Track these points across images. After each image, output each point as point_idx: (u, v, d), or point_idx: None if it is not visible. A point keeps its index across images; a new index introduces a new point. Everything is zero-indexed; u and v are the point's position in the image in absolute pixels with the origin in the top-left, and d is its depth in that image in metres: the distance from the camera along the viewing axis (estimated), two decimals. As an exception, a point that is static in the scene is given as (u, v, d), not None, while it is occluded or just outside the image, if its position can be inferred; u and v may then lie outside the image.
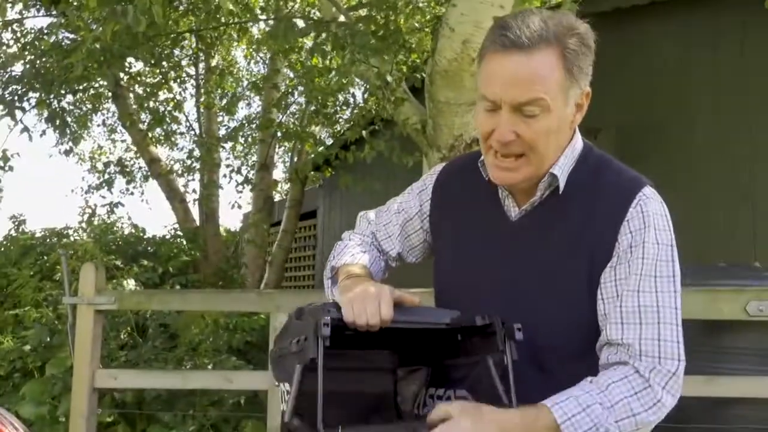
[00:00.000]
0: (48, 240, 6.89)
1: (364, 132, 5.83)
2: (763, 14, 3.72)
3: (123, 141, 10.82)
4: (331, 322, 1.08)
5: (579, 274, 1.18)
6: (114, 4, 3.41)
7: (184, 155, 9.23)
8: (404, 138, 4.61)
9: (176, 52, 7.70)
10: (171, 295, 4.18)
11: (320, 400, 1.05)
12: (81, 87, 6.42)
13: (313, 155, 7.51)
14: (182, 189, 8.59)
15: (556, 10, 1.23)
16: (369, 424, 1.29)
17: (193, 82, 8.92)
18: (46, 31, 5.88)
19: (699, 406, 2.76)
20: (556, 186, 1.22)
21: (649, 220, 1.16)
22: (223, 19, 6.28)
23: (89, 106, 8.39)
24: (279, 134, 7.70)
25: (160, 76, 7.74)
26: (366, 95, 7.73)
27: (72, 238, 7.20)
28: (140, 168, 9.65)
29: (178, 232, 8.06)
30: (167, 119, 7.71)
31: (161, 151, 9.12)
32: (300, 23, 5.22)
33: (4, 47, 6.53)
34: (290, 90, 7.10)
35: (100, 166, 10.46)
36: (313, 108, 6.90)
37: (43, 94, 5.41)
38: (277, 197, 10.35)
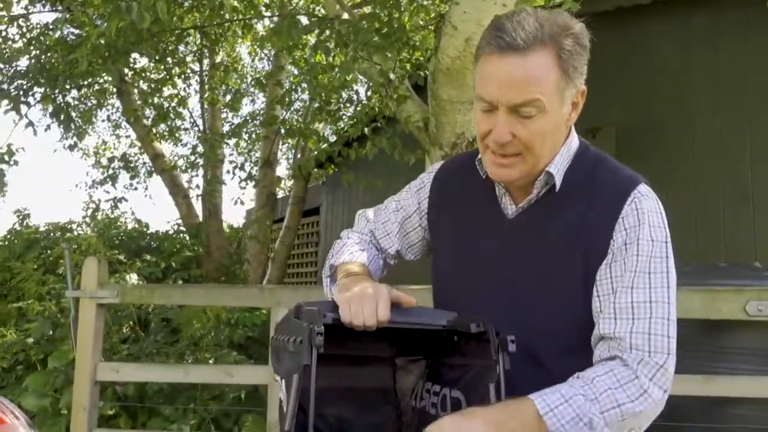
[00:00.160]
0: (52, 234, 6.93)
1: (366, 129, 5.83)
2: (764, 14, 3.72)
3: (127, 136, 10.87)
4: (329, 323, 1.10)
5: (575, 271, 1.19)
6: (119, 1, 3.42)
7: (188, 151, 9.27)
8: (406, 135, 4.62)
9: (181, 48, 7.73)
10: (173, 289, 4.20)
11: (312, 408, 1.06)
12: (86, 82, 6.45)
13: (316, 152, 7.52)
14: (186, 185, 8.60)
15: (556, 8, 1.23)
16: (366, 421, 1.30)
17: (197, 78, 8.94)
18: (51, 27, 5.90)
19: (698, 406, 2.77)
20: (553, 184, 1.23)
21: (644, 218, 1.17)
22: (227, 16, 6.30)
23: (94, 101, 8.43)
24: (282, 131, 7.72)
25: (165, 72, 7.76)
26: (369, 93, 7.74)
27: (75, 233, 7.24)
28: (144, 163, 9.69)
29: (181, 228, 8.08)
30: (171, 115, 7.74)
31: (165, 147, 9.15)
32: (304, 20, 5.23)
33: (10, 42, 6.54)
34: (294, 87, 7.11)
35: (104, 161, 10.49)
36: (316, 105, 6.91)
37: (48, 89, 5.44)
38: (280, 194, 10.36)
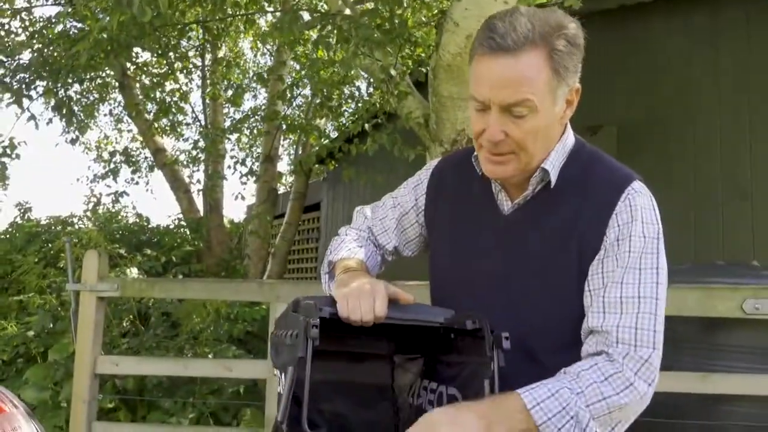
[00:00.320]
0: (53, 228, 6.95)
1: (366, 125, 5.84)
2: (765, 12, 3.72)
3: (129, 131, 10.87)
4: (326, 317, 1.11)
5: (569, 266, 1.21)
6: (120, -6, 3.43)
7: (189, 146, 9.28)
8: (407, 131, 4.62)
9: (183, 43, 7.74)
10: (173, 283, 4.21)
11: (306, 400, 1.07)
12: (88, 76, 6.45)
13: (317, 148, 7.53)
14: (187, 179, 8.63)
15: (552, 7, 1.23)
16: (363, 417, 1.31)
17: (199, 73, 8.95)
18: (53, 20, 5.91)
19: (695, 403, 2.78)
20: (548, 180, 1.25)
21: (637, 214, 1.18)
22: (229, 11, 6.30)
23: (96, 95, 8.44)
24: (284, 126, 7.73)
25: (167, 67, 7.77)
26: (370, 89, 7.74)
27: (77, 226, 7.25)
28: (146, 158, 9.70)
29: (182, 222, 8.11)
30: (173, 110, 7.76)
31: (167, 142, 9.17)
32: (306, 16, 5.23)
33: (13, 35, 6.56)
34: (295, 82, 7.12)
35: (105, 155, 10.52)
36: (318, 101, 6.92)
37: (50, 83, 5.45)
38: (281, 189, 10.38)
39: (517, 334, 1.15)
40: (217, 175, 8.13)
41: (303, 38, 6.46)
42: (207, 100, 8.84)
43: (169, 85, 8.01)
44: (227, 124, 9.26)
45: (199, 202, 8.44)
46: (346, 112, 8.34)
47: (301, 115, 8.60)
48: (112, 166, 8.69)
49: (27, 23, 6.74)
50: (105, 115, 10.70)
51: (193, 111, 9.13)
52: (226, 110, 9.78)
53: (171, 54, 7.13)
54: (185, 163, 9.03)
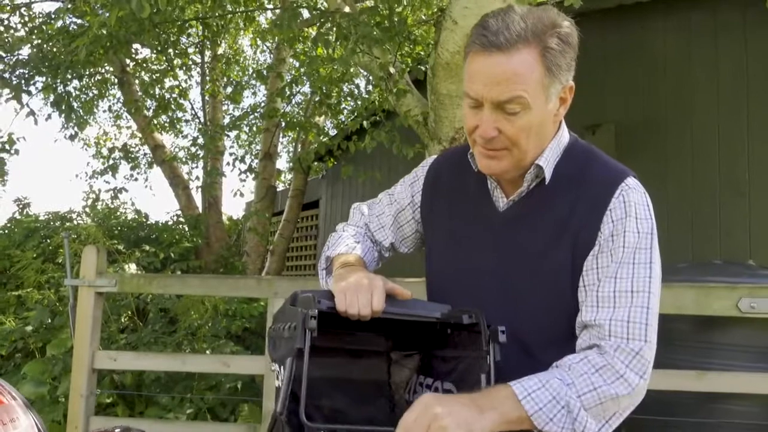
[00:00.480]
0: (51, 223, 6.94)
1: (365, 122, 5.85)
2: (764, 11, 3.73)
3: (128, 127, 10.86)
4: (324, 309, 1.12)
5: (565, 262, 1.21)
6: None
7: (189, 142, 9.28)
8: (406, 129, 4.63)
9: (182, 39, 7.73)
10: (171, 279, 4.21)
11: (304, 391, 1.08)
12: (87, 72, 6.45)
13: (316, 145, 7.53)
14: (186, 176, 8.61)
15: (547, 5, 1.24)
16: (361, 413, 1.32)
17: (198, 69, 8.94)
18: (53, 16, 5.90)
19: (691, 401, 2.80)
20: (543, 177, 1.26)
21: (631, 210, 1.19)
22: (229, 7, 6.30)
23: (95, 91, 8.43)
24: (283, 124, 7.73)
25: (166, 63, 7.77)
26: (369, 87, 7.74)
27: (75, 222, 7.25)
28: (144, 154, 9.70)
29: (181, 219, 8.10)
30: (172, 106, 7.75)
31: (166, 138, 9.16)
32: (305, 13, 5.24)
33: (12, 31, 6.55)
34: (295, 79, 7.12)
35: (104, 151, 10.52)
36: (317, 98, 6.92)
37: (49, 79, 5.45)
38: (280, 187, 10.38)
39: (513, 330, 1.16)
40: (216, 172, 8.12)
41: (302, 36, 6.47)
42: (206, 97, 8.84)
43: (168, 82, 8.01)
44: (226, 121, 9.26)
45: (197, 198, 8.44)
46: (345, 110, 8.35)
47: (300, 113, 8.61)
48: (111, 162, 8.69)
49: (26, 19, 6.74)
50: (104, 111, 10.77)
51: (192, 108, 9.13)
52: (225, 107, 9.78)
53: (170, 50, 7.13)
54: (184, 159, 9.04)
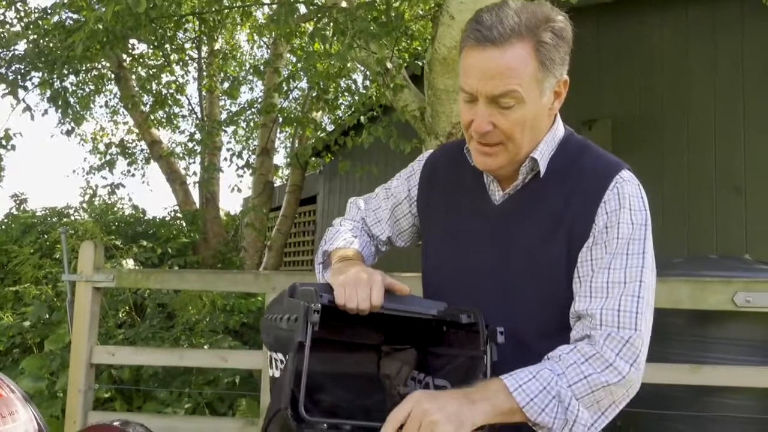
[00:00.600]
0: (49, 219, 6.93)
1: (362, 118, 5.85)
2: (762, 7, 3.74)
3: (125, 122, 10.85)
4: (324, 303, 1.12)
5: (559, 255, 1.22)
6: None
7: (186, 138, 9.25)
8: (403, 124, 4.63)
9: (179, 34, 7.70)
10: (169, 274, 4.21)
11: (303, 385, 1.08)
12: (84, 68, 6.43)
13: (313, 141, 7.53)
14: (183, 171, 8.61)
15: (541, 1, 1.25)
16: (355, 405, 1.33)
17: (195, 65, 8.93)
18: (49, 11, 5.88)
19: (686, 394, 2.81)
20: (538, 170, 1.26)
21: (625, 202, 1.20)
22: (226, 2, 6.29)
23: (92, 86, 8.41)
24: (280, 119, 7.72)
25: (163, 59, 7.74)
26: (367, 82, 7.74)
27: (72, 218, 7.24)
28: (142, 150, 9.68)
29: (178, 214, 8.09)
30: (169, 102, 7.73)
31: (163, 134, 9.16)
32: (302, 8, 5.23)
33: (8, 26, 6.53)
34: (292, 75, 7.12)
35: (101, 147, 10.50)
36: (314, 94, 6.91)
37: (45, 74, 5.43)
38: (277, 182, 10.38)
39: (508, 322, 1.17)
40: (214, 168, 8.12)
41: (299, 31, 6.46)
42: (203, 93, 8.83)
43: (165, 77, 7.99)
44: (223, 116, 9.24)
45: (195, 194, 8.43)
46: (342, 105, 8.34)
47: (297, 108, 8.60)
48: (108, 157, 8.68)
49: (22, 14, 6.71)
50: (101, 106, 10.69)
51: (189, 103, 9.13)
52: (222, 102, 9.77)
53: (167, 46, 7.10)
54: (181, 155, 9.02)
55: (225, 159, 8.04)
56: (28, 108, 5.20)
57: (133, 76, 7.91)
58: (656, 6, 4.76)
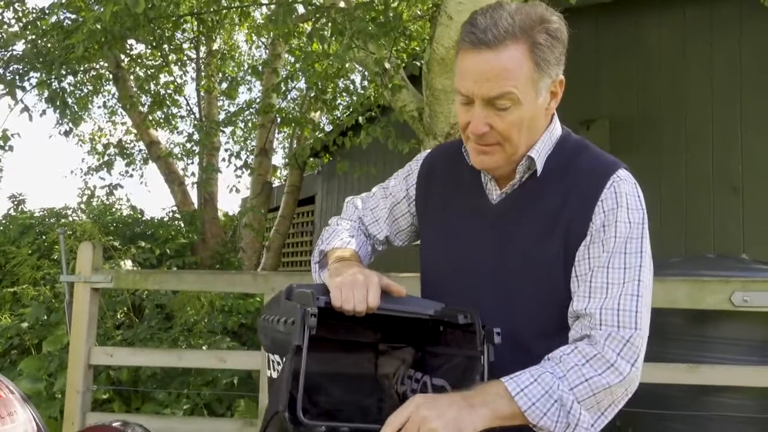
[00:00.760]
0: (47, 220, 6.92)
1: (361, 118, 5.85)
2: (759, 7, 3.75)
3: (123, 123, 10.85)
4: (321, 305, 1.12)
5: (557, 253, 1.23)
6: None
7: (184, 138, 9.26)
8: (401, 125, 4.64)
9: (177, 35, 7.70)
10: (167, 275, 4.21)
11: (301, 388, 1.08)
12: (82, 68, 6.42)
13: (311, 141, 7.53)
14: (181, 172, 8.61)
15: (535, 2, 1.26)
16: (353, 405, 1.33)
17: (193, 65, 8.92)
18: (47, 11, 5.87)
19: (683, 394, 2.82)
20: (535, 169, 1.27)
21: (622, 200, 1.20)
22: (224, 3, 6.29)
23: (90, 87, 8.40)
24: (278, 119, 7.72)
25: (161, 59, 7.75)
26: (365, 82, 7.74)
27: (71, 219, 7.23)
28: (140, 150, 9.68)
29: (177, 215, 8.09)
30: (167, 102, 7.73)
31: (161, 134, 9.15)
32: (301, 9, 5.23)
33: (6, 26, 6.53)
34: (290, 75, 7.12)
35: (99, 147, 10.50)
36: (312, 94, 6.91)
37: (43, 74, 5.43)
38: (275, 182, 10.38)
39: (506, 321, 1.18)
40: (212, 168, 8.12)
41: (297, 31, 6.46)
42: (201, 93, 8.83)
43: (163, 78, 8.00)
44: (222, 116, 9.25)
45: (193, 194, 8.43)
46: (340, 106, 8.34)
47: (295, 108, 8.60)
48: (106, 158, 8.68)
49: (20, 14, 6.71)
50: (99, 107, 10.69)
51: (187, 103, 9.13)
52: (220, 103, 9.78)
53: (165, 46, 7.10)
54: (180, 155, 9.03)
55: (223, 159, 8.07)
56: (26, 108, 5.20)
57: (132, 77, 7.91)
58: (654, 6, 4.77)
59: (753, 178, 4.20)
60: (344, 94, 7.79)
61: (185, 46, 8.51)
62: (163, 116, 8.36)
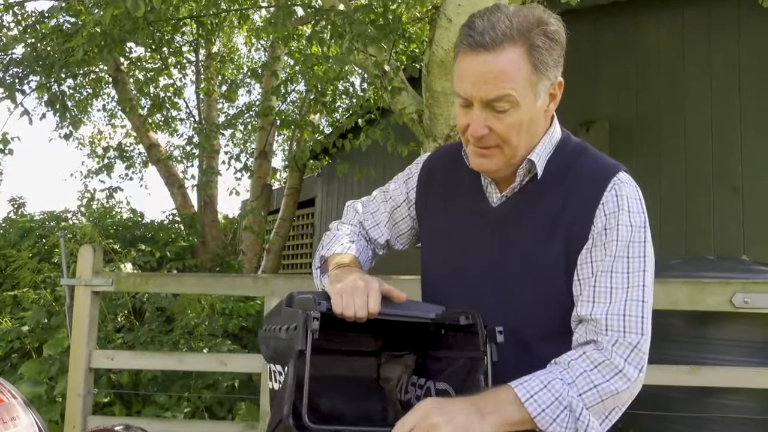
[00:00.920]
0: (47, 223, 6.92)
1: (360, 120, 5.85)
2: (757, 7, 3.75)
3: (123, 126, 10.86)
4: (322, 311, 1.12)
5: (558, 257, 1.22)
6: (114, -11, 3.42)
7: (184, 141, 9.27)
8: (401, 127, 4.64)
9: (177, 38, 7.72)
10: (167, 278, 4.21)
11: (306, 393, 1.08)
12: (81, 71, 6.43)
13: (311, 143, 7.54)
14: (181, 175, 8.61)
15: (533, 4, 1.26)
16: (356, 412, 1.33)
17: (193, 68, 8.93)
18: (46, 15, 5.88)
19: (685, 395, 2.82)
20: (535, 172, 1.27)
21: (623, 203, 1.20)
22: (223, 6, 6.30)
23: (89, 90, 8.41)
24: (278, 122, 7.72)
25: (161, 62, 7.75)
26: (364, 84, 7.74)
27: (71, 222, 7.23)
28: (140, 153, 9.69)
29: (177, 218, 8.09)
30: (167, 105, 7.74)
31: (161, 137, 9.15)
32: (300, 11, 5.24)
33: (5, 30, 6.54)
34: (290, 78, 7.13)
35: (99, 150, 10.49)
36: (312, 96, 6.92)
37: (43, 78, 5.43)
38: (275, 185, 10.38)
39: (507, 325, 1.17)
40: (212, 171, 8.12)
41: (297, 33, 6.47)
42: (201, 96, 8.84)
43: (162, 81, 8.01)
44: (221, 119, 9.25)
45: (193, 197, 8.44)
46: (340, 108, 8.35)
47: (295, 111, 8.60)
48: (105, 161, 8.67)
49: (20, 17, 6.72)
50: (98, 110, 10.71)
51: (187, 106, 9.16)
52: (220, 105, 9.78)
53: (165, 49, 7.12)
54: (179, 158, 9.02)
55: (223, 162, 8.07)
56: (26, 112, 5.20)
57: (131, 80, 7.91)
58: (652, 7, 4.77)
59: (753, 178, 4.20)
60: (344, 96, 7.80)
61: (185, 49, 8.52)
62: (162, 119, 8.36)
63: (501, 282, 1.27)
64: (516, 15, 1.17)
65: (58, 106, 5.84)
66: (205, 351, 4.65)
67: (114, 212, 8.03)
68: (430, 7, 5.83)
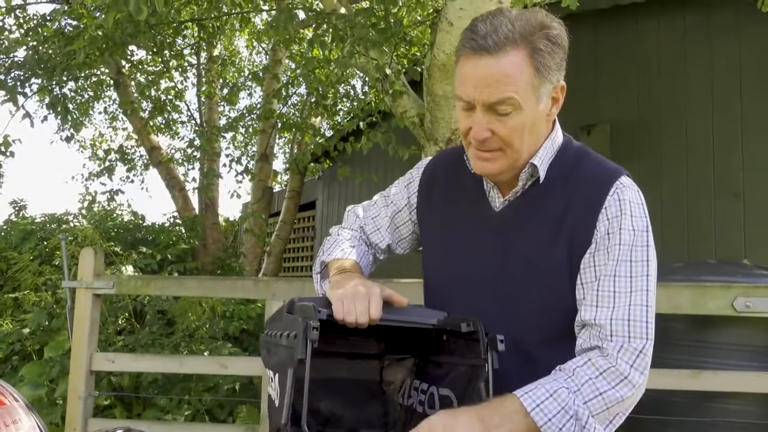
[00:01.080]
0: (48, 225, 6.92)
1: (361, 123, 5.86)
2: (758, 12, 3.76)
3: (124, 129, 10.86)
4: (323, 318, 1.12)
5: (560, 261, 1.22)
6: (116, -8, 3.43)
7: (185, 144, 9.28)
8: (402, 130, 4.64)
9: (178, 41, 7.73)
10: (168, 280, 4.21)
11: (305, 401, 1.08)
12: (83, 74, 6.44)
13: (312, 146, 7.55)
14: (182, 177, 8.62)
15: (535, 8, 1.26)
16: (356, 417, 1.33)
17: (194, 71, 8.95)
18: (48, 18, 5.90)
19: (686, 400, 2.81)
20: (538, 176, 1.27)
21: (626, 208, 1.20)
22: (225, 9, 6.31)
23: (91, 93, 8.42)
24: (279, 125, 7.73)
25: (162, 65, 7.76)
26: (366, 88, 7.75)
27: (72, 224, 7.23)
28: (141, 156, 9.70)
29: (178, 221, 8.08)
30: (168, 108, 7.75)
31: (162, 140, 9.16)
32: (301, 14, 5.25)
33: (7, 33, 6.54)
34: (291, 81, 7.14)
35: (100, 153, 10.51)
36: (313, 99, 6.93)
37: (45, 81, 5.44)
38: (276, 188, 10.39)
39: (509, 329, 1.17)
40: (213, 174, 8.13)
41: (298, 37, 6.47)
42: (202, 99, 8.85)
43: (164, 83, 8.01)
44: (222, 122, 9.26)
45: (194, 200, 8.44)
46: (341, 111, 8.36)
47: (296, 114, 8.61)
48: (107, 164, 8.69)
49: (22, 20, 6.73)
50: (100, 113, 10.72)
51: (188, 109, 9.14)
52: (221, 108, 9.79)
53: (166, 52, 7.12)
54: (180, 161, 9.03)
55: (224, 165, 8.06)
56: (27, 114, 5.21)
57: (132, 83, 7.93)
58: (653, 11, 4.78)
59: (754, 182, 4.20)
60: (345, 99, 7.81)
61: (186, 51, 8.53)
62: (163, 122, 8.37)
63: (503, 286, 1.27)
64: (518, 18, 1.17)
65: (59, 109, 5.84)
66: (205, 354, 4.65)
67: (115, 215, 8.03)
68: (431, 10, 5.84)
